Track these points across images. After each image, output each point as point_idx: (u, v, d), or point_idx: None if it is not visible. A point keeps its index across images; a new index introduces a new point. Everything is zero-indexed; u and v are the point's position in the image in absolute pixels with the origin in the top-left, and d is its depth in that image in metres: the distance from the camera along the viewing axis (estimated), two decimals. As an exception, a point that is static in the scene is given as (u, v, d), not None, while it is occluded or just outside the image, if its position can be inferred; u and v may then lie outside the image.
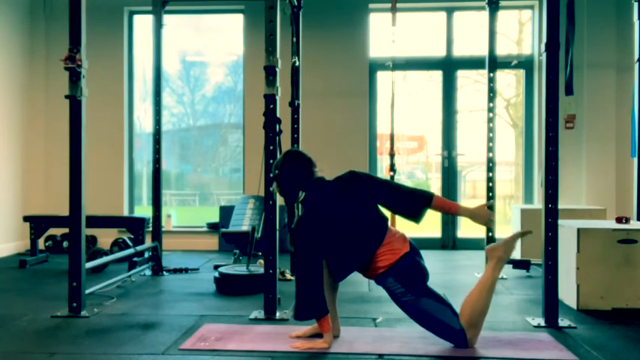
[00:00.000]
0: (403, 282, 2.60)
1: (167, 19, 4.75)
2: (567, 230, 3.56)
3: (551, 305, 3.05)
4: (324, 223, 2.64)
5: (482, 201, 4.67)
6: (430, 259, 5.70)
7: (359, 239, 2.64)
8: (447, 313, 2.59)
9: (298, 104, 4.69)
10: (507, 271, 4.67)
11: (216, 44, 6.94)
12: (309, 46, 5.56)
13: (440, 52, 6.30)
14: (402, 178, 6.79)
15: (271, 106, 3.20)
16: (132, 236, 5.20)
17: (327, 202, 2.68)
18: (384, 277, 2.62)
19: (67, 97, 3.24)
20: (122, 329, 2.96)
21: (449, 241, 6.14)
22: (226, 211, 5.86)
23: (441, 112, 6.31)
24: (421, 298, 2.59)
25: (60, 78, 3.87)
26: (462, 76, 6.43)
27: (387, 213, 2.74)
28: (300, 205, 2.79)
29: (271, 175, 2.86)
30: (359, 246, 2.63)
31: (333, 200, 2.68)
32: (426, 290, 2.62)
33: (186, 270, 4.74)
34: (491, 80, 4.61)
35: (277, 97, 3.22)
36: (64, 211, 3.86)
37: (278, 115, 3.23)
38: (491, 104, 4.61)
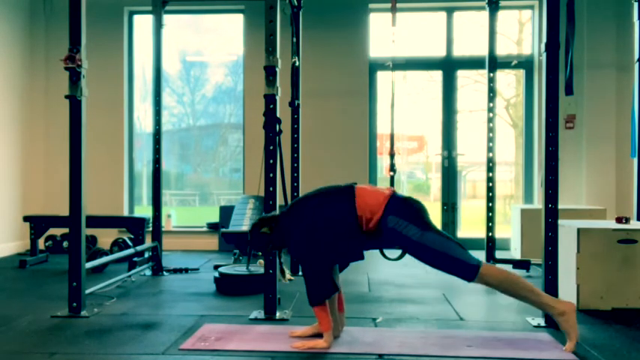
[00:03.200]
0: (404, 215, 2.59)
1: (167, 19, 4.75)
2: (567, 230, 3.56)
3: (551, 305, 3.04)
4: (313, 231, 2.65)
5: (483, 201, 4.69)
6: (430, 259, 5.70)
7: (336, 207, 2.65)
8: (452, 246, 2.59)
9: (298, 104, 4.69)
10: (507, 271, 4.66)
11: (216, 44, 6.94)
12: (309, 46, 5.56)
13: (440, 52, 6.30)
14: (402, 179, 6.80)
15: (271, 106, 3.20)
16: (132, 236, 5.19)
17: (303, 219, 2.68)
18: (384, 219, 2.61)
19: (67, 97, 3.23)
20: (122, 329, 2.96)
21: (449, 241, 6.13)
22: (226, 211, 5.86)
23: (441, 112, 6.31)
24: (427, 231, 2.58)
25: (60, 78, 3.88)
26: (462, 76, 6.43)
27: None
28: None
29: (265, 246, 2.86)
30: (340, 210, 2.64)
31: (304, 215, 2.69)
32: (429, 224, 2.62)
33: (186, 270, 4.74)
34: (491, 80, 4.62)
35: (277, 97, 3.22)
36: (64, 211, 3.86)
37: (278, 115, 3.23)
38: (491, 104, 4.61)
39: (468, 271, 2.58)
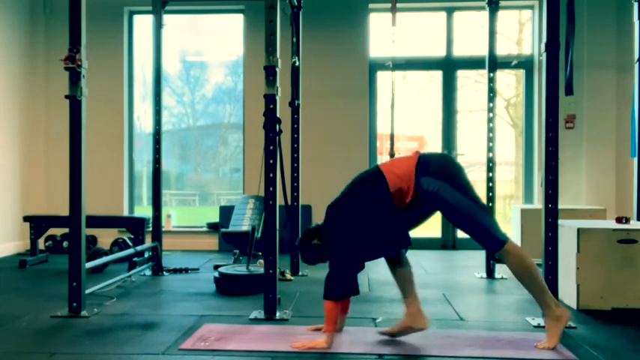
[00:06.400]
0: (436, 174, 2.57)
1: (167, 19, 4.75)
2: (567, 230, 3.56)
3: (551, 305, 3.04)
4: (351, 226, 2.62)
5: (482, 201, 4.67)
6: (430, 259, 5.73)
7: (367, 197, 2.62)
8: (485, 216, 2.57)
9: (298, 104, 4.69)
10: (507, 271, 4.63)
11: (216, 44, 6.94)
12: (309, 46, 5.56)
13: (440, 52, 6.30)
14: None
15: (271, 106, 3.20)
16: (132, 236, 5.19)
17: (339, 217, 2.65)
18: (418, 184, 2.57)
19: (67, 97, 3.24)
20: (122, 329, 2.96)
21: (449, 241, 6.14)
22: (226, 211, 5.86)
23: (441, 112, 6.31)
24: (462, 194, 2.54)
25: (60, 78, 3.88)
26: (462, 76, 6.43)
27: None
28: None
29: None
30: (373, 198, 2.61)
31: (340, 214, 2.66)
32: (463, 186, 2.58)
33: (186, 270, 4.74)
34: (491, 80, 4.61)
35: (277, 97, 3.21)
36: (64, 211, 3.86)
37: (278, 115, 3.23)
38: (491, 104, 4.60)
39: (493, 242, 2.57)
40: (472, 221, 2.57)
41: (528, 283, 2.62)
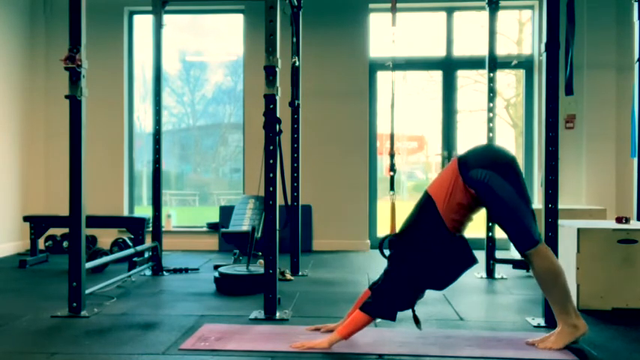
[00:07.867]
0: (483, 165, 2.53)
1: (167, 19, 4.75)
2: (567, 230, 3.56)
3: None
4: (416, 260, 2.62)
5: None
6: (430, 259, 5.70)
7: (423, 228, 2.62)
8: (527, 214, 2.54)
9: (298, 104, 4.69)
10: (507, 271, 4.67)
11: (216, 44, 6.94)
12: (309, 46, 5.56)
13: (440, 52, 6.30)
14: (402, 179, 6.80)
15: (271, 106, 3.20)
16: (132, 236, 5.19)
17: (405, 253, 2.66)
18: (467, 179, 2.54)
19: (67, 97, 3.24)
20: (122, 329, 2.96)
21: (449, 241, 6.14)
22: (226, 211, 5.86)
23: (441, 112, 6.31)
24: (513, 189, 2.50)
25: (60, 78, 3.88)
26: (462, 76, 6.43)
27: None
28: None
29: None
30: (429, 229, 2.60)
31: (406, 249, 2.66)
32: (514, 179, 2.53)
33: (186, 270, 4.74)
34: (491, 80, 4.61)
35: (277, 97, 3.22)
36: (64, 211, 3.86)
37: (278, 115, 3.23)
38: (491, 104, 4.61)
39: (527, 240, 2.55)
40: (514, 217, 2.53)
41: (553, 289, 2.59)
